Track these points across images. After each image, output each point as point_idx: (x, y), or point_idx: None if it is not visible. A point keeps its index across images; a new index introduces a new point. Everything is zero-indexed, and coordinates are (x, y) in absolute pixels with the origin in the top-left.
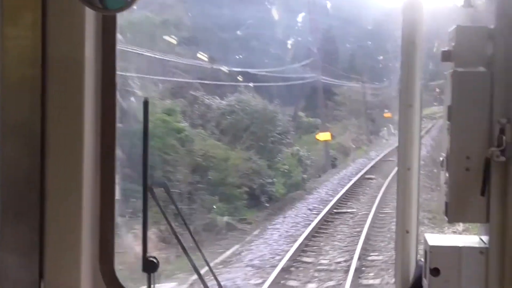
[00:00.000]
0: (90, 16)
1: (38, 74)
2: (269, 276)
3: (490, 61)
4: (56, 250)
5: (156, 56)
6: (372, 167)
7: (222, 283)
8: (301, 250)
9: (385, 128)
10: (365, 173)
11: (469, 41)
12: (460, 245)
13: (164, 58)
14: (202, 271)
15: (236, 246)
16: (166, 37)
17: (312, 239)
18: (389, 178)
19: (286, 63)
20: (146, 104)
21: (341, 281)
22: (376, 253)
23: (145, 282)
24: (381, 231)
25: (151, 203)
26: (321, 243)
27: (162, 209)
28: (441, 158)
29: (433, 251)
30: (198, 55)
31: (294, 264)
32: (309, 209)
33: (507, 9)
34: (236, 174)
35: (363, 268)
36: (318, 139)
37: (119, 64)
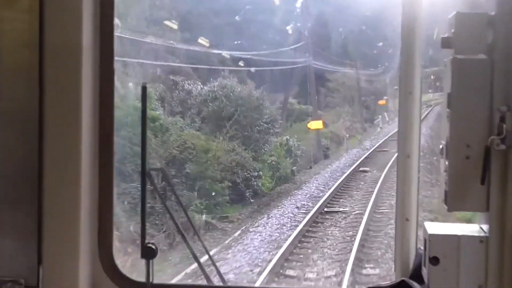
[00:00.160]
0: (87, 0)
1: (35, 59)
2: None
3: (491, 48)
4: (55, 236)
5: (137, 39)
6: (366, 157)
7: None
8: (285, 260)
9: (380, 116)
10: (359, 164)
11: (469, 27)
12: (460, 234)
13: (142, 40)
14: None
15: (211, 253)
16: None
17: (299, 245)
18: (385, 170)
19: (275, 46)
20: (144, 89)
21: None
22: (372, 265)
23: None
24: (377, 236)
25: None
26: (309, 250)
27: (160, 195)
28: (440, 146)
29: (432, 240)
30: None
31: (275, 279)
32: (297, 207)
33: None
34: (218, 167)
35: (356, 287)
36: (309, 128)
37: None
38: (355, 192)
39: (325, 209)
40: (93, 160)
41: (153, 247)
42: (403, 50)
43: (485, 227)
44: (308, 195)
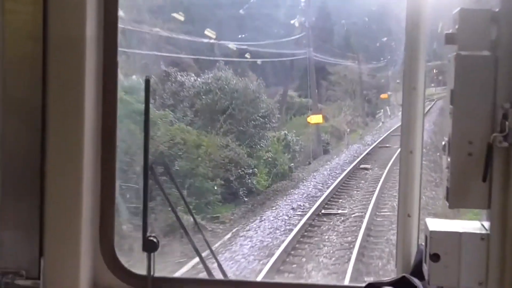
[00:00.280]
0: None
1: (39, 50)
2: None
3: (494, 44)
4: (56, 228)
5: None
6: (367, 154)
7: None
8: (276, 271)
9: (382, 110)
10: (360, 161)
11: (473, 24)
12: (461, 230)
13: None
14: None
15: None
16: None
17: (292, 252)
18: (387, 168)
19: (274, 38)
20: (147, 82)
21: None
22: (372, 278)
23: None
24: (378, 242)
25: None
26: (303, 259)
27: (163, 189)
28: (443, 143)
29: (433, 237)
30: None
31: None
32: (293, 208)
33: None
34: (209, 163)
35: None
36: (309, 122)
37: None
38: (355, 192)
39: (323, 211)
40: (96, 153)
41: (155, 240)
42: (407, 45)
43: (487, 224)
44: (305, 195)
